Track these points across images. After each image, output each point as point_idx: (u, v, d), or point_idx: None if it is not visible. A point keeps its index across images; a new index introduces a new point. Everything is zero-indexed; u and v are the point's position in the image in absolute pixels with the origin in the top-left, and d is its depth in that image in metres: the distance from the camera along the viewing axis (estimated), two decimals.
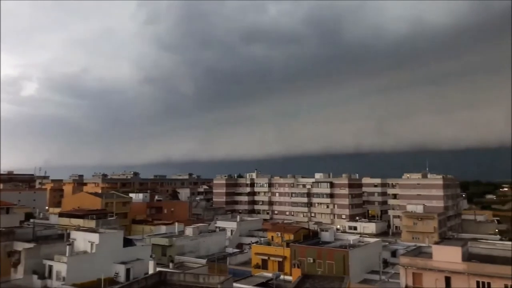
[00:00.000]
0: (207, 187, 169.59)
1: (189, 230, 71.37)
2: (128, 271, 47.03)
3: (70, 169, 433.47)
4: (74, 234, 51.24)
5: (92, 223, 71.07)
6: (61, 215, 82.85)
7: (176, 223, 78.20)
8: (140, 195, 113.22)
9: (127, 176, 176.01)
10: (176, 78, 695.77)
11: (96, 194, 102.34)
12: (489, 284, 43.11)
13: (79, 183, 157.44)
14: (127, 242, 53.08)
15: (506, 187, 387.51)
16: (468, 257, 48.21)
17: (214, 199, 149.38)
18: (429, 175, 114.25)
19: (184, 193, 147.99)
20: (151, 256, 50.10)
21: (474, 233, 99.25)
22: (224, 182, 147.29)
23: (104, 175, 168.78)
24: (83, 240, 49.17)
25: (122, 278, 46.15)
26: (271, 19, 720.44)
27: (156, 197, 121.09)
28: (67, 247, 46.29)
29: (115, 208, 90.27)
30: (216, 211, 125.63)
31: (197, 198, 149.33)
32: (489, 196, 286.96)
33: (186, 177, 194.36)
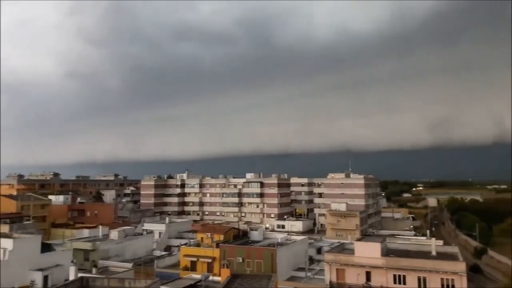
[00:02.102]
0: (134, 189, 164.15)
1: (114, 234, 69.02)
2: (45, 278, 44.18)
3: None
4: None
5: (5, 228, 65.96)
6: None
7: (100, 226, 75.56)
8: (61, 197, 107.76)
9: (46, 177, 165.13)
10: (102, 74, 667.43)
11: (10, 196, 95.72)
12: (404, 277, 46.34)
13: None
14: (46, 247, 49.89)
15: (420, 186, 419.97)
16: (386, 252, 51.43)
17: (141, 201, 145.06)
18: (351, 175, 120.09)
19: (109, 195, 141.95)
20: (72, 262, 47.47)
21: (392, 229, 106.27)
22: (152, 183, 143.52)
23: (20, 176, 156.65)
24: None
25: (39, 285, 43.23)
26: (202, 17, 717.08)
27: (79, 199, 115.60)
28: None
29: (32, 211, 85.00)
30: (144, 213, 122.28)
31: (123, 200, 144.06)
32: (406, 195, 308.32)
33: (112, 178, 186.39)
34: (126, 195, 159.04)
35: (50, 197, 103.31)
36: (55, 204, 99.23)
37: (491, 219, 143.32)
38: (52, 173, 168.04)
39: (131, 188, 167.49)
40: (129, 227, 78.16)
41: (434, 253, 51.45)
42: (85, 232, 76.36)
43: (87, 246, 62.41)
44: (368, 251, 49.19)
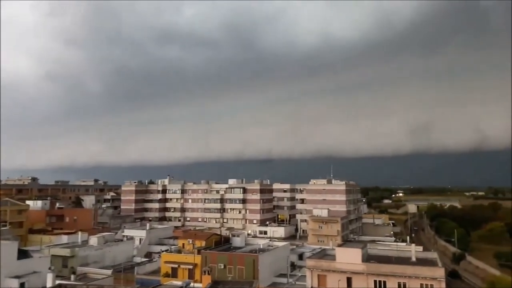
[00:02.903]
0: (115, 194, 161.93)
1: (93, 240, 67.83)
2: (22, 285, 43.15)
3: None
4: None
5: None
6: None
7: (79, 232, 74.11)
8: (39, 202, 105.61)
9: (24, 182, 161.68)
10: (83, 76, 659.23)
11: None
12: (385, 282, 46.78)
13: None
14: (22, 254, 48.70)
15: (400, 193, 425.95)
16: (367, 258, 51.89)
17: (122, 207, 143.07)
18: (333, 181, 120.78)
19: (88, 200, 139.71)
20: (49, 268, 46.45)
21: (372, 235, 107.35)
22: (133, 188, 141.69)
23: None
24: None
25: None
26: (186, 21, 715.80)
27: (57, 205, 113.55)
28: None
29: (9, 216, 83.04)
30: (124, 219, 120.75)
31: (103, 206, 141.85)
32: (386, 201, 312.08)
33: (91, 183, 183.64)
34: (106, 200, 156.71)
35: (27, 202, 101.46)
36: (33, 210, 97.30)
37: (469, 225, 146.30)
38: (30, 178, 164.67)
39: (111, 193, 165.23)
40: (109, 233, 76.97)
41: (414, 259, 52.12)
42: (64, 238, 74.83)
43: (66, 252, 61.13)
44: (349, 257, 49.53)
